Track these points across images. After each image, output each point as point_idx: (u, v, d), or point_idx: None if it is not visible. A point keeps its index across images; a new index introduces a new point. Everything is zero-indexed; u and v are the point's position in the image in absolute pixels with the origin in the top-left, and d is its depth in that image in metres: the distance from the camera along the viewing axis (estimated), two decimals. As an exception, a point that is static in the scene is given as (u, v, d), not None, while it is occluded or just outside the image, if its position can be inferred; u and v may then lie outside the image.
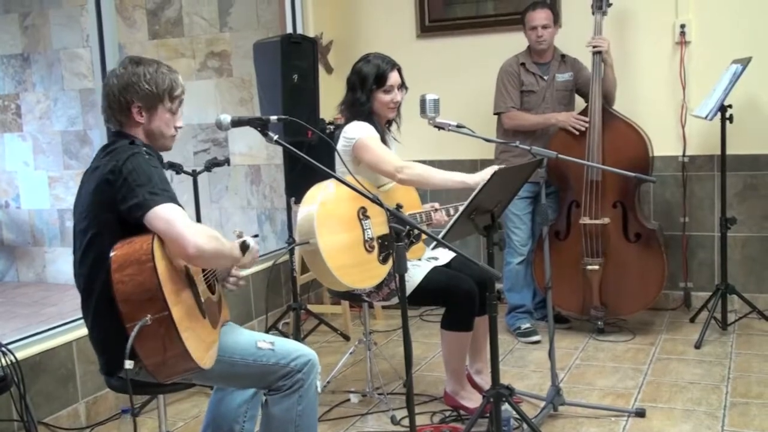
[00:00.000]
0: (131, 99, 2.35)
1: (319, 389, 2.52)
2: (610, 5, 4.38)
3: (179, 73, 2.48)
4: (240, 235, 2.62)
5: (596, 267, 4.28)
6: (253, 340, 2.45)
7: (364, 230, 3.21)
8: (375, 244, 3.22)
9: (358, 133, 3.29)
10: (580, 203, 4.32)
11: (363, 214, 3.24)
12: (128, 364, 2.11)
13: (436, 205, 3.40)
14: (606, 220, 4.25)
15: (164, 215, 2.15)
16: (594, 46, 4.29)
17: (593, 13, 4.37)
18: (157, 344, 2.14)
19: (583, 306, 4.39)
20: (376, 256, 3.22)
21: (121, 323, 2.13)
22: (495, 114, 4.52)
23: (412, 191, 3.47)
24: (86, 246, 2.30)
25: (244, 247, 2.48)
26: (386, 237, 3.27)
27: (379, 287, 3.26)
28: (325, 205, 3.11)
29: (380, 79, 3.35)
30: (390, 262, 3.22)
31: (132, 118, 2.37)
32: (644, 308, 4.42)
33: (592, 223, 4.26)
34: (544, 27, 4.35)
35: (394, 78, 3.37)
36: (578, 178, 4.30)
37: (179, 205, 2.21)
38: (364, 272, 3.17)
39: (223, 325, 2.52)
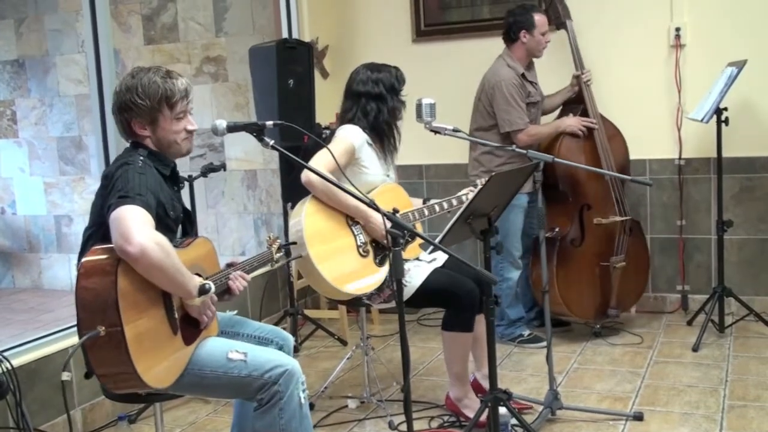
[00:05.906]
0: (129, 117, 2.41)
1: (302, 400, 2.39)
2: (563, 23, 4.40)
3: (179, 77, 2.46)
4: (274, 242, 2.65)
5: (624, 263, 4.33)
6: (224, 351, 2.36)
7: (355, 236, 3.21)
8: (369, 248, 3.22)
9: (344, 131, 3.33)
10: (591, 205, 4.31)
11: (352, 220, 3.24)
12: (65, 375, 2.11)
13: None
14: (625, 218, 4.34)
15: (121, 213, 2.12)
16: (586, 81, 4.35)
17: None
18: (107, 357, 2.13)
19: (596, 311, 4.36)
20: (372, 260, 3.21)
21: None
22: (510, 132, 4.15)
23: (400, 191, 3.47)
24: (82, 245, 2.34)
25: (203, 290, 2.29)
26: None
27: (380, 289, 3.24)
28: (312, 215, 3.12)
29: (401, 83, 3.42)
30: (388, 264, 3.22)
31: (137, 133, 2.43)
32: (638, 299, 4.57)
33: (622, 220, 4.32)
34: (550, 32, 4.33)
35: None
36: (591, 181, 4.28)
37: (150, 212, 2.18)
38: (362, 277, 3.16)
39: (207, 337, 2.45)
